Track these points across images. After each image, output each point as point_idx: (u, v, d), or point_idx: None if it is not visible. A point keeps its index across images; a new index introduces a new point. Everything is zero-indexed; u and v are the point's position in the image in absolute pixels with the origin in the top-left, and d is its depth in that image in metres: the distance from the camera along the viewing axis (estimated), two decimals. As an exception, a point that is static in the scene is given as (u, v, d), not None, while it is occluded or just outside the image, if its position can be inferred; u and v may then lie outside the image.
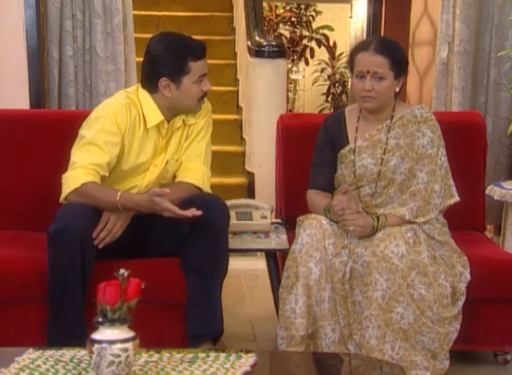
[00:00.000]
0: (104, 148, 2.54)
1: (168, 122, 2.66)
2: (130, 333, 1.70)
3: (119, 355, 1.66)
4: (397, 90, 2.62)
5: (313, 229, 2.53)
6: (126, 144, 2.60)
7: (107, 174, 2.57)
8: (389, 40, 2.67)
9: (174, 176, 2.73)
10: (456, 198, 2.67)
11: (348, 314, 2.47)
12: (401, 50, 2.64)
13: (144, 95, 2.63)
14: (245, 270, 4.00)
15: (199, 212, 2.39)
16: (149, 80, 2.62)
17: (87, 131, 2.58)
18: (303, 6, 10.68)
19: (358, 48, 2.62)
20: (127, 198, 2.50)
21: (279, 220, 3.06)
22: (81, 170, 2.51)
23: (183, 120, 2.68)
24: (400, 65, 2.59)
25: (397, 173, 2.61)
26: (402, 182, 2.61)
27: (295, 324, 2.48)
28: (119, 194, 2.48)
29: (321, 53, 10.84)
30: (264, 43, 4.68)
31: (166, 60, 2.56)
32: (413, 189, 2.59)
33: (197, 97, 2.62)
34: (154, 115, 2.62)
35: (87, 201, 2.47)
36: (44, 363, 1.84)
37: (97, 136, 2.54)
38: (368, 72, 2.55)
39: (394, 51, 2.59)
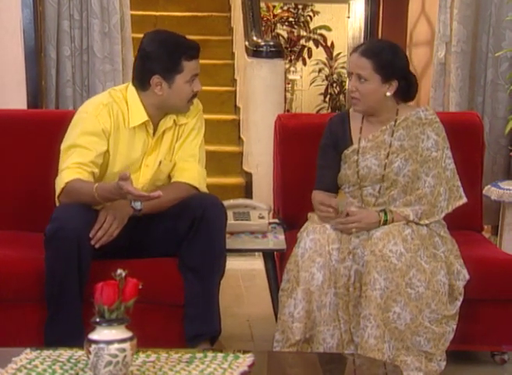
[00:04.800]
0: (88, 146, 2.53)
1: (158, 121, 2.65)
2: (128, 334, 1.70)
3: (116, 356, 1.66)
4: (388, 94, 2.58)
5: (316, 234, 2.52)
6: (112, 144, 2.58)
7: (96, 170, 2.54)
8: (378, 43, 2.69)
9: (169, 177, 2.72)
10: (464, 200, 2.67)
11: (349, 319, 2.47)
12: (389, 53, 2.58)
13: (132, 94, 2.62)
14: (243, 270, 4.00)
15: (158, 193, 2.31)
16: (141, 78, 2.61)
17: (70, 135, 2.58)
18: (300, 6, 10.68)
19: (353, 49, 2.67)
20: (102, 187, 2.43)
21: (276, 220, 3.06)
22: (66, 171, 2.50)
23: (174, 120, 2.67)
24: (386, 68, 2.56)
25: (400, 175, 2.61)
26: (405, 184, 2.61)
27: (291, 328, 2.48)
28: (95, 185, 2.43)
29: (319, 53, 10.85)
30: (262, 43, 4.69)
31: (160, 57, 2.55)
32: (419, 192, 2.59)
33: (187, 97, 2.61)
34: (139, 115, 2.60)
35: (74, 199, 2.45)
36: (42, 363, 1.83)
37: (81, 138, 2.54)
38: (352, 73, 2.60)
39: (379, 55, 2.56)
